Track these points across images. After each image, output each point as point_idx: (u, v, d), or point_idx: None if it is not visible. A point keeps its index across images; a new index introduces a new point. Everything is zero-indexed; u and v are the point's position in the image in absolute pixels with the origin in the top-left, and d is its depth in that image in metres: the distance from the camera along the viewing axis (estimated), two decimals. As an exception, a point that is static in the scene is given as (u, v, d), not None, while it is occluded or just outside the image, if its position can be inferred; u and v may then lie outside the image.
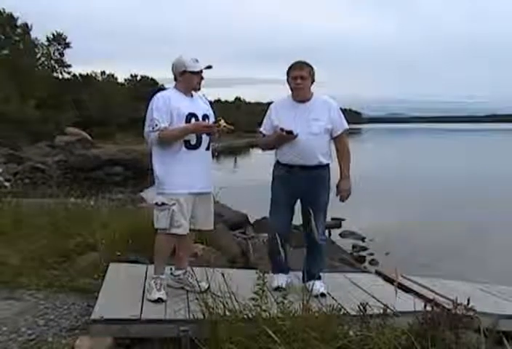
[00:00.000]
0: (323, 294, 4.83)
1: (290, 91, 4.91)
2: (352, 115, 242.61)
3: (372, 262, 11.26)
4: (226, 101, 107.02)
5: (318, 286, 4.89)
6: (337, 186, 4.97)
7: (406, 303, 4.40)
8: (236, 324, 3.36)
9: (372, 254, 11.99)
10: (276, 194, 5.10)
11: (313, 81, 4.90)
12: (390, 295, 4.24)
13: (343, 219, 15.61)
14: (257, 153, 58.92)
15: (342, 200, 5.00)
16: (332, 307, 3.77)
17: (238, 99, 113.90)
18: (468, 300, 4.19)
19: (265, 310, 3.44)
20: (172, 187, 4.42)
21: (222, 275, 3.90)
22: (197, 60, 4.53)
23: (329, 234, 13.90)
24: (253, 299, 3.51)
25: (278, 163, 5.03)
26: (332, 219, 15.54)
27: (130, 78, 71.08)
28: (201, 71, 4.58)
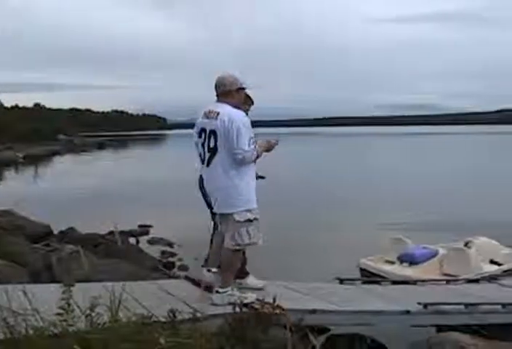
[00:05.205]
0: None
1: (240, 106, 4.87)
2: (157, 121, 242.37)
3: (182, 268, 11.31)
4: (24, 107, 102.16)
5: None
6: None
7: (215, 306, 4.47)
8: (41, 342, 3.19)
9: (181, 260, 12.05)
10: None
11: None
12: (200, 299, 4.29)
13: (151, 226, 15.55)
14: (60, 161, 56.91)
15: None
16: (141, 316, 3.72)
17: (37, 105, 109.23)
18: (274, 299, 4.35)
19: (71, 325, 3.30)
20: (254, 202, 4.73)
21: (24, 293, 3.69)
22: None
23: (137, 241, 13.78)
24: (58, 314, 3.35)
25: None
26: (139, 226, 15.43)
27: None
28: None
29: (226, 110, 4.62)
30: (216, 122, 4.58)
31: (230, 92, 4.74)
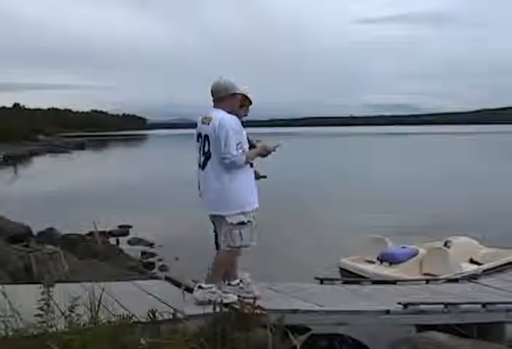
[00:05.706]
0: None
1: (235, 111, 4.87)
2: (137, 122, 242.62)
3: (162, 268, 11.29)
4: (3, 107, 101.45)
5: None
6: None
7: (195, 307, 4.46)
8: (20, 344, 3.15)
9: (161, 260, 12.02)
10: None
11: None
12: (180, 300, 4.27)
13: (130, 227, 15.50)
14: (40, 161, 56.48)
15: None
16: (121, 317, 3.69)
17: (16, 105, 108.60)
18: (255, 299, 4.34)
19: (51, 326, 3.27)
20: (250, 205, 4.78)
21: (4, 294, 3.64)
22: None
23: (117, 242, 13.72)
24: (38, 315, 3.32)
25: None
26: (119, 226, 15.37)
27: None
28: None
29: (218, 116, 4.70)
30: (208, 127, 4.69)
31: (225, 98, 4.81)
